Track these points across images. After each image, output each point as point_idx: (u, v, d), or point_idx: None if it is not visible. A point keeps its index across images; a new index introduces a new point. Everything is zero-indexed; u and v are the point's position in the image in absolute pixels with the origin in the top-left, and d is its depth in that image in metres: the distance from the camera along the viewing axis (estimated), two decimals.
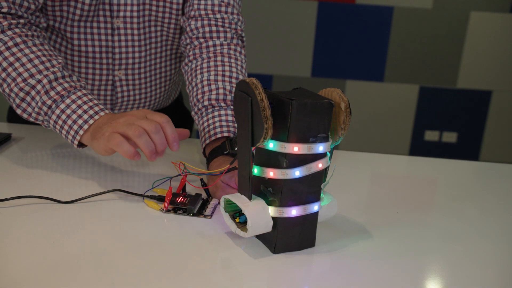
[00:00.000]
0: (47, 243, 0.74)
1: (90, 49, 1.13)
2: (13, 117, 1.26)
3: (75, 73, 1.15)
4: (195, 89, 1.06)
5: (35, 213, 0.83)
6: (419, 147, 3.18)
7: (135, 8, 1.11)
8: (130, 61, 1.16)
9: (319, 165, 0.73)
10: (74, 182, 0.96)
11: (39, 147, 1.11)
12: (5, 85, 0.95)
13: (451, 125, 3.15)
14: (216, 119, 1.00)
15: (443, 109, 3.12)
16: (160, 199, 0.87)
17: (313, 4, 2.98)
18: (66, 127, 0.91)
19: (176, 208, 0.86)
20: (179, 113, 1.42)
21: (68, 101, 0.92)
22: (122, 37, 1.13)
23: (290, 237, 0.75)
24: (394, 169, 1.18)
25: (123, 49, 1.14)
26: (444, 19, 2.98)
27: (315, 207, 0.75)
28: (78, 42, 1.12)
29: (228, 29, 1.11)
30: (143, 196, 0.89)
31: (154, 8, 1.13)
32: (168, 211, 0.85)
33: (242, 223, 0.76)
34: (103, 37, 1.12)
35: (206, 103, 1.03)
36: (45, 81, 0.92)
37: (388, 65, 3.06)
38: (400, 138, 3.18)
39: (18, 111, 0.96)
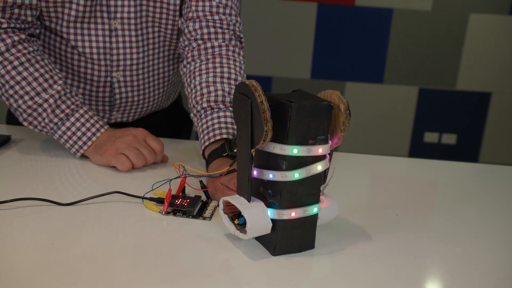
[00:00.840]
0: (46, 245, 0.74)
1: (87, 50, 1.12)
2: (12, 119, 1.26)
3: (75, 72, 1.15)
4: (193, 91, 1.06)
5: (35, 215, 0.83)
6: (419, 149, 3.19)
7: (132, 9, 1.11)
8: (128, 62, 1.16)
9: (319, 167, 0.73)
10: (73, 184, 0.96)
11: (39, 149, 1.11)
12: (12, 100, 1.04)
13: (450, 126, 3.15)
14: (215, 121, 1.00)
15: (442, 111, 3.12)
16: (160, 201, 0.87)
17: (313, 5, 2.98)
18: (71, 141, 1.05)
19: (175, 210, 0.85)
20: (178, 114, 1.42)
21: (72, 119, 1.04)
22: (120, 38, 1.13)
23: (290, 239, 0.75)
24: (393, 171, 1.18)
25: (121, 51, 1.14)
26: (444, 21, 2.98)
27: (314, 209, 0.75)
28: (75, 43, 1.11)
29: (226, 31, 1.11)
30: (143, 198, 0.88)
31: (151, 9, 1.13)
32: (167, 213, 0.85)
33: (241, 225, 0.76)
34: (100, 39, 1.12)
35: (205, 105, 1.03)
36: (51, 100, 1.03)
37: (388, 66, 3.06)
38: (400, 140, 3.18)
39: (25, 123, 1.06)
